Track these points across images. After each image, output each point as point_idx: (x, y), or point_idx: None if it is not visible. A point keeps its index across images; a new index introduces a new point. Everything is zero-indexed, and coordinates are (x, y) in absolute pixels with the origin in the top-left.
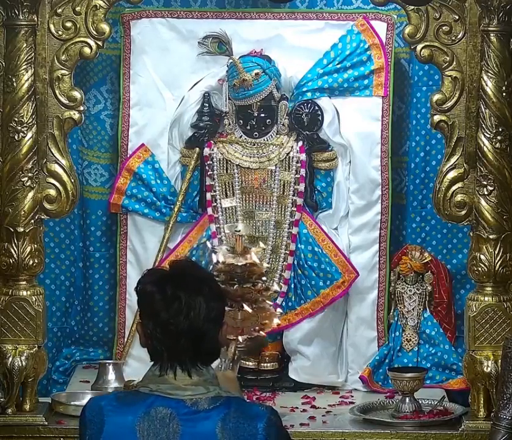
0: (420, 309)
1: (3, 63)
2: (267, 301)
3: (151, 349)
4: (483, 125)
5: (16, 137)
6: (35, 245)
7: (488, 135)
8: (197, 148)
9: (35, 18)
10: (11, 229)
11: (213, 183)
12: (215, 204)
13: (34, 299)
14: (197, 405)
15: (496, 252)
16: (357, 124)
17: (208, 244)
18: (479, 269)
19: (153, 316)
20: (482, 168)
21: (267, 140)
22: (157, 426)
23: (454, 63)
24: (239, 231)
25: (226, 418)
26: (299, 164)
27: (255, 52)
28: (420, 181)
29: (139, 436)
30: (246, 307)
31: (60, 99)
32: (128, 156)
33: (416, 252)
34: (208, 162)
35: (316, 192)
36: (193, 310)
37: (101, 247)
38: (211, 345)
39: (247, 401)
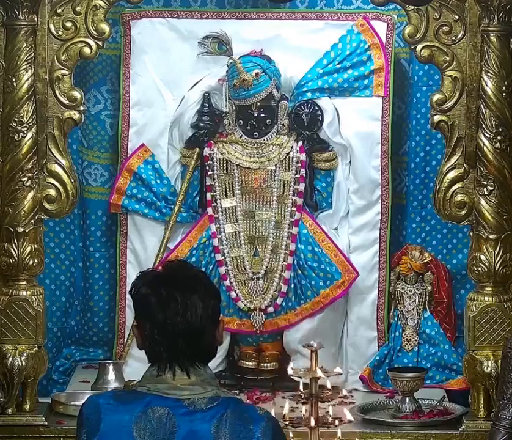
0: (420, 309)
1: (3, 63)
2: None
3: (148, 350)
4: (483, 125)
5: (16, 137)
6: (35, 245)
7: (488, 135)
8: (197, 148)
9: (35, 18)
10: (11, 229)
11: (213, 183)
12: (215, 204)
13: (34, 299)
14: (194, 405)
15: (496, 252)
16: (357, 124)
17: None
18: (479, 269)
19: (149, 318)
20: (482, 168)
21: (267, 140)
22: (154, 426)
23: (454, 63)
24: (311, 345)
25: (222, 418)
26: (299, 164)
27: (255, 52)
28: (420, 181)
29: (136, 434)
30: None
31: (60, 99)
32: (128, 156)
33: (416, 252)
34: (208, 162)
35: (316, 192)
36: (189, 309)
37: (101, 247)
38: (209, 343)
39: (243, 403)
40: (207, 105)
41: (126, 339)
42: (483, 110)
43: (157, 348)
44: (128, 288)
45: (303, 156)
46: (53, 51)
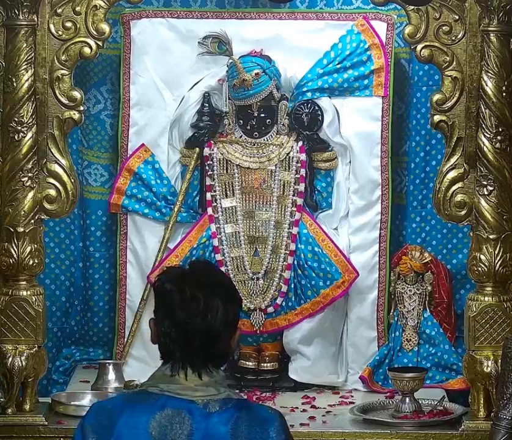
0: (420, 309)
1: (3, 63)
2: None
3: (162, 347)
4: (483, 125)
5: (16, 137)
6: (35, 245)
7: (488, 135)
8: (197, 148)
9: (35, 18)
10: (11, 229)
11: (213, 183)
12: (215, 204)
13: (34, 299)
14: (208, 407)
15: (496, 252)
16: (357, 124)
17: None
18: (479, 269)
19: (169, 314)
20: (482, 168)
21: (267, 140)
22: (172, 427)
23: (454, 63)
24: None
25: (238, 421)
26: (299, 164)
27: (255, 52)
28: (420, 181)
29: (153, 436)
30: None
31: (60, 99)
32: (128, 156)
33: (416, 252)
34: (208, 162)
35: (316, 192)
36: (210, 311)
37: (101, 247)
38: (223, 348)
39: (254, 403)
40: (207, 105)
41: (126, 339)
42: (483, 110)
43: (171, 346)
44: (128, 288)
45: (303, 156)
46: (53, 51)
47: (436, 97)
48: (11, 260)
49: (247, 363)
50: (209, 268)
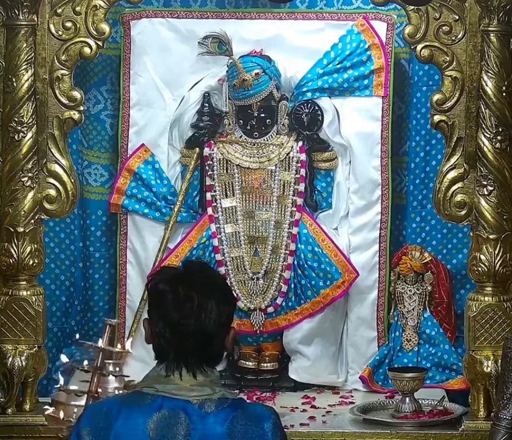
0: (420, 309)
1: (3, 63)
2: None
3: (157, 347)
4: (483, 125)
5: (16, 137)
6: (35, 245)
7: (488, 135)
8: (197, 148)
9: (35, 18)
10: (11, 229)
11: (213, 183)
12: (215, 204)
13: (34, 299)
14: (204, 407)
15: (496, 252)
16: (357, 124)
17: None
18: (479, 269)
19: (163, 315)
20: (482, 168)
21: (267, 140)
22: (169, 428)
23: (454, 63)
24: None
25: (234, 420)
26: (299, 164)
27: (255, 52)
28: (420, 181)
29: (151, 437)
30: None
31: (60, 99)
32: (128, 156)
33: (416, 252)
34: (208, 162)
35: (316, 192)
36: (204, 312)
37: (101, 247)
38: (218, 348)
39: (249, 402)
40: (207, 105)
41: (126, 339)
42: (483, 110)
43: (166, 347)
44: (128, 288)
45: (303, 156)
46: (53, 51)
47: (436, 97)
48: (11, 260)
49: (247, 363)
50: (204, 269)
